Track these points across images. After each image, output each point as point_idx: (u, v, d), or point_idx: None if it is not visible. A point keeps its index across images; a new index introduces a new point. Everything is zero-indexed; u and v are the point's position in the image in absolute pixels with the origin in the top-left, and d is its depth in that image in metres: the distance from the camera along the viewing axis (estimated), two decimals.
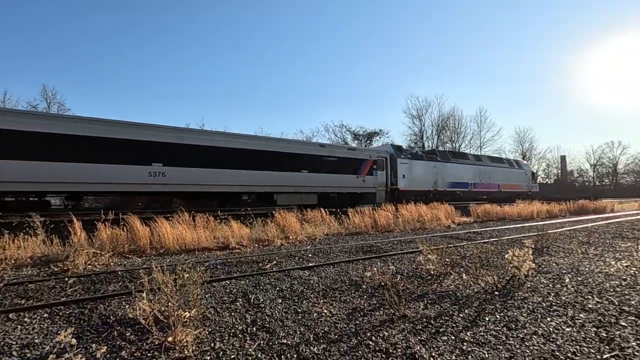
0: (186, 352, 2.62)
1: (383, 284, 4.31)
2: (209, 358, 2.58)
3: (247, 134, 16.32)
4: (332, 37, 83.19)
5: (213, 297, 4.06)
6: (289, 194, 15.25)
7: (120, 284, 4.76)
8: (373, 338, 2.90)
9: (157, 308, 3.08)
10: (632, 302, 3.76)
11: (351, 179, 17.52)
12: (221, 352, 2.66)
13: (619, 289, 4.27)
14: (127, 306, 3.67)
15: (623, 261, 5.96)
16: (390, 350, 2.67)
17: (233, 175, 13.65)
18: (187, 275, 3.27)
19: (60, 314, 3.56)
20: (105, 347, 2.69)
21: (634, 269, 5.37)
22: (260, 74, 79.08)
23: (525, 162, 33.86)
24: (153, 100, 64.76)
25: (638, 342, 2.80)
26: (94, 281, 4.88)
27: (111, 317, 3.42)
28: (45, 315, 3.54)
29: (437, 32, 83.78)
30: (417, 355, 2.58)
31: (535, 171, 37.77)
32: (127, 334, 3.00)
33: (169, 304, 2.97)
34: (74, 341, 2.31)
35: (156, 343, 2.78)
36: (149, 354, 2.62)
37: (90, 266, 5.78)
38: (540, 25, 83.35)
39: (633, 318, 3.31)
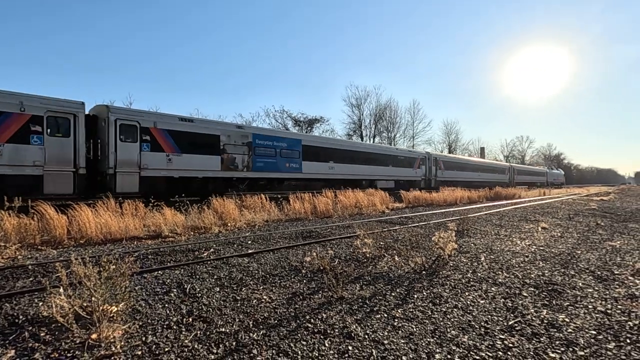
0: (114, 349, 2.44)
1: (322, 268, 4.43)
2: (140, 353, 2.43)
3: None
4: (276, 24, 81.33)
5: (144, 289, 3.81)
6: None
7: (31, 279, 4.23)
8: (312, 320, 2.98)
9: (78, 304, 2.80)
10: (532, 276, 4.39)
11: None
12: (154, 346, 2.53)
13: (522, 265, 4.94)
14: (40, 304, 3.27)
15: (526, 240, 6.89)
16: (328, 331, 2.78)
17: None
18: (114, 267, 3.01)
19: None
20: (14, 350, 2.39)
21: (534, 247, 6.25)
22: (199, 55, 74.92)
23: (561, 170, 72.14)
24: (78, 73, 57.67)
25: (536, 309, 3.28)
26: None
27: (21, 317, 3.02)
28: None
29: (380, 29, 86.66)
30: (352, 334, 2.72)
31: (564, 173, 73.69)
32: (42, 334, 2.68)
33: (93, 298, 2.72)
34: None
35: (78, 342, 2.53)
36: (68, 354, 2.38)
37: None
38: (468, 30, 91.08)
39: (532, 289, 3.87)
